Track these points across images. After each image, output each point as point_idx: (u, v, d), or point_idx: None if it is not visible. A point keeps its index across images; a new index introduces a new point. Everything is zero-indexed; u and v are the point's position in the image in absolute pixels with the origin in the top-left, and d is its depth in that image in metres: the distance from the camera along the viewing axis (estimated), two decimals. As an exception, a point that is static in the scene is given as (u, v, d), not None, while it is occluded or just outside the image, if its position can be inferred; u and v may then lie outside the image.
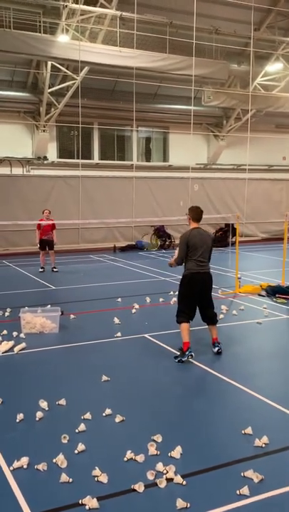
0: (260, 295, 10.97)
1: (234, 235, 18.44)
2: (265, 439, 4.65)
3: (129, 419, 5.13)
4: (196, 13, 15.71)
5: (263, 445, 4.61)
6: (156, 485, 4.00)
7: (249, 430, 4.84)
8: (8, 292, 11.46)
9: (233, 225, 18.92)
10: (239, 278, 11.46)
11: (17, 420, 5.06)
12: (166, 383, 6.19)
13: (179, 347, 6.94)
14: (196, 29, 16.52)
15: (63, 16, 15.44)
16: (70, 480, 4.04)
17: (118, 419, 5.09)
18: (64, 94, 17.69)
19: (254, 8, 17.21)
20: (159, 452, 4.46)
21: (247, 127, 19.74)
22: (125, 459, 4.36)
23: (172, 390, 6.03)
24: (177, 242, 19.70)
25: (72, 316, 9.07)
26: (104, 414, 5.20)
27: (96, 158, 20.29)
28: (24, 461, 4.27)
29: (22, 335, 7.95)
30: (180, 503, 3.74)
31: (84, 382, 6.14)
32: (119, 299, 10.44)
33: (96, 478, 4.07)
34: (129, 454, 4.39)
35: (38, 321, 8.21)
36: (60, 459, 4.29)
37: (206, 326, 7.27)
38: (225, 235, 20.30)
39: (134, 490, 3.93)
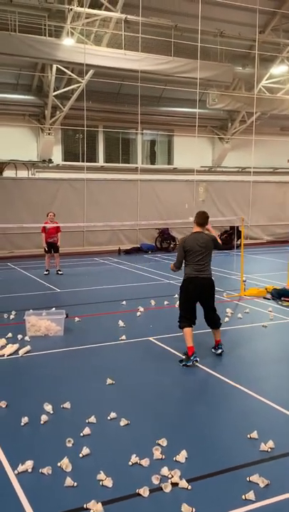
0: (265, 298, 10.93)
1: (239, 237, 18.47)
2: (270, 443, 4.62)
3: (134, 422, 5.11)
4: (201, 16, 15.74)
5: (269, 449, 4.58)
6: (161, 489, 3.98)
7: (255, 434, 4.81)
8: (13, 295, 11.47)
9: (238, 227, 18.89)
10: (244, 281, 11.42)
11: (22, 423, 5.05)
12: (171, 387, 6.16)
13: (184, 351, 6.91)
14: (201, 32, 16.55)
15: (68, 19, 15.49)
16: (75, 484, 4.03)
17: (123, 422, 5.07)
18: (69, 97, 17.74)
19: (259, 10, 17.22)
20: (164, 456, 4.43)
21: (252, 130, 19.74)
22: (130, 463, 4.34)
23: (177, 393, 6.01)
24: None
25: (77, 319, 9.06)
26: (109, 418, 5.18)
27: (101, 161, 20.32)
28: (29, 464, 4.26)
29: (27, 338, 7.95)
30: (185, 508, 3.71)
31: (89, 386, 6.12)
32: (124, 302, 10.43)
33: (101, 483, 4.05)
34: (134, 458, 4.37)
35: (42, 323, 8.21)
36: (65, 463, 4.28)
37: (208, 330, 7.25)
38: (230, 238, 20.25)
39: (139, 494, 3.90)
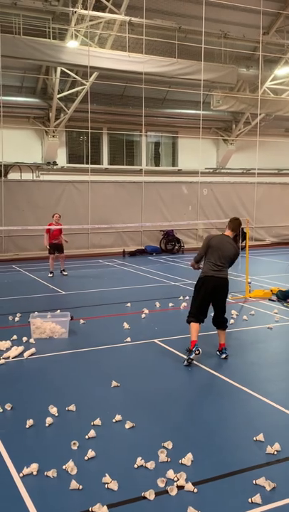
0: (270, 300, 10.89)
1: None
2: (277, 446, 4.59)
3: (139, 425, 5.08)
4: (205, 18, 15.77)
5: (275, 452, 4.54)
6: (167, 492, 3.95)
7: (261, 437, 4.78)
8: (18, 297, 11.48)
9: (242, 229, 18.82)
10: (249, 283, 11.39)
11: (27, 426, 5.04)
12: (176, 389, 6.14)
13: (187, 347, 6.89)
14: (205, 34, 16.59)
15: (72, 21, 15.53)
16: (80, 487, 4.01)
17: (128, 425, 5.05)
18: (73, 100, 17.78)
19: (263, 12, 17.24)
20: (169, 459, 4.41)
21: (256, 131, 19.74)
22: (135, 465, 4.32)
23: (182, 395, 5.99)
24: (186, 246, 19.72)
25: (81, 321, 9.05)
26: (114, 421, 5.16)
27: (105, 163, 20.34)
28: (34, 467, 4.24)
29: (32, 340, 7.94)
30: (191, 511, 3.69)
31: (94, 388, 6.10)
32: (129, 304, 10.41)
33: (106, 486, 4.03)
34: (139, 461, 4.35)
35: (47, 326, 8.20)
36: (70, 466, 4.26)
37: (216, 331, 7.24)
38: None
39: (145, 497, 3.88)
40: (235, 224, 7.24)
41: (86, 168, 18.64)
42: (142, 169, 20.27)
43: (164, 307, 10.27)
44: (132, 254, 19.02)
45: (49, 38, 15.84)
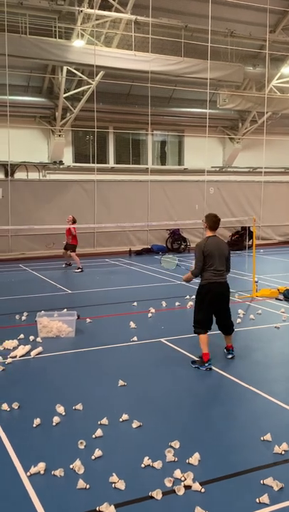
0: (277, 299, 10.86)
1: (250, 238, 18.38)
2: (284, 445, 4.57)
3: (146, 424, 5.08)
4: (211, 16, 15.70)
5: (283, 452, 4.53)
6: (174, 492, 3.95)
7: (268, 437, 4.76)
8: (24, 296, 11.51)
9: (249, 228, 18.80)
10: (256, 282, 11.35)
11: (34, 425, 5.05)
12: (183, 388, 6.13)
13: (200, 355, 6.84)
14: (211, 32, 16.52)
15: (78, 21, 15.52)
16: (87, 486, 4.01)
17: (135, 424, 5.05)
18: (79, 99, 17.77)
19: (269, 10, 17.14)
20: (176, 459, 4.40)
21: (263, 130, 19.64)
22: (143, 465, 4.32)
23: (189, 395, 5.98)
24: (193, 245, 19.65)
25: (88, 320, 9.06)
26: (121, 420, 5.16)
27: (111, 163, 20.32)
28: (41, 466, 4.25)
29: (39, 339, 7.96)
30: (199, 511, 3.68)
31: (100, 387, 6.11)
32: (135, 303, 10.41)
33: (113, 485, 4.03)
34: (146, 461, 4.34)
35: (54, 325, 8.22)
36: (77, 465, 4.26)
37: (219, 331, 7.20)
38: (241, 239, 20.18)
39: (152, 497, 3.88)
40: (214, 222, 6.87)
41: (92, 168, 18.64)
42: (148, 168, 20.25)
43: (171, 306, 10.26)
44: (138, 253, 19.02)
45: (55, 38, 15.84)
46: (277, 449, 4.54)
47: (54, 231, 16.15)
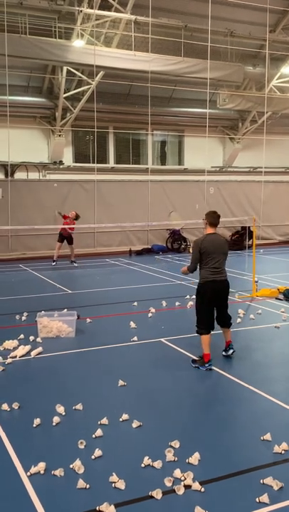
0: (277, 299, 10.86)
1: (250, 237, 18.37)
2: (284, 445, 4.58)
3: (146, 424, 5.08)
4: (211, 16, 15.70)
5: (283, 452, 4.53)
6: (174, 492, 3.95)
7: (268, 436, 4.77)
8: (24, 296, 11.51)
9: (249, 228, 18.80)
10: (256, 281, 11.35)
11: (34, 425, 5.05)
12: (183, 388, 6.13)
13: (200, 355, 6.84)
14: (211, 32, 16.52)
15: (78, 21, 15.52)
16: (87, 486, 4.01)
17: (135, 424, 5.05)
18: (79, 99, 17.77)
19: (269, 10, 17.14)
20: (176, 458, 4.41)
21: (263, 130, 19.65)
22: (143, 465, 4.32)
23: (189, 394, 5.98)
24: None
25: (88, 320, 9.06)
26: (121, 420, 5.16)
27: (111, 162, 20.33)
28: (41, 466, 4.26)
29: (39, 339, 7.97)
30: (198, 511, 3.68)
31: (100, 387, 6.11)
32: (136, 303, 10.41)
33: (113, 485, 4.03)
34: (146, 460, 4.35)
35: (54, 325, 8.22)
36: (77, 465, 4.27)
37: (218, 331, 7.19)
38: (241, 238, 20.18)
39: (152, 497, 3.88)
40: (214, 218, 6.86)
41: (92, 168, 18.65)
42: (148, 168, 20.25)
43: (171, 306, 10.26)
44: (139, 253, 19.02)
45: (55, 38, 15.84)
46: (277, 449, 4.55)
47: (54, 231, 16.15)
